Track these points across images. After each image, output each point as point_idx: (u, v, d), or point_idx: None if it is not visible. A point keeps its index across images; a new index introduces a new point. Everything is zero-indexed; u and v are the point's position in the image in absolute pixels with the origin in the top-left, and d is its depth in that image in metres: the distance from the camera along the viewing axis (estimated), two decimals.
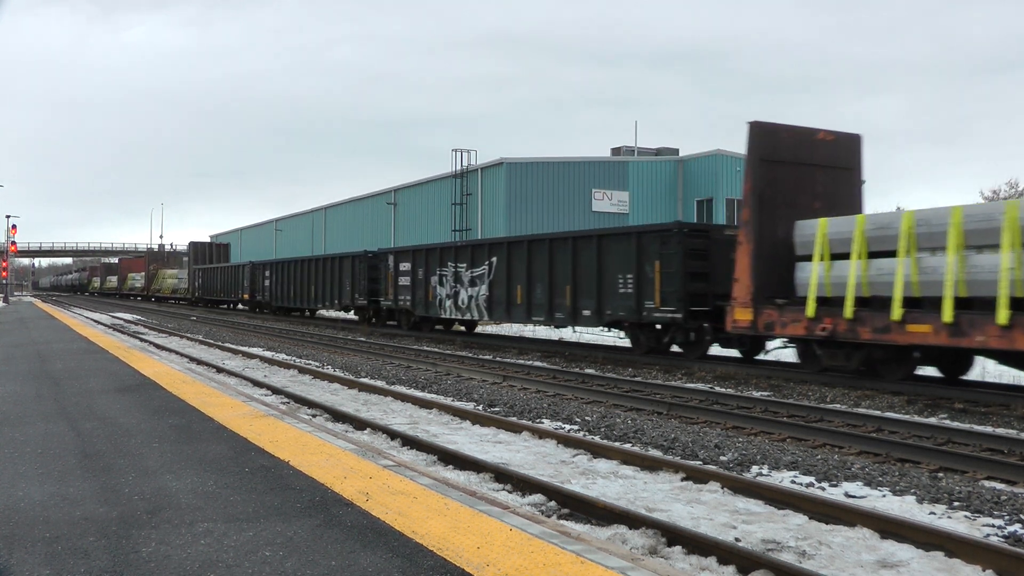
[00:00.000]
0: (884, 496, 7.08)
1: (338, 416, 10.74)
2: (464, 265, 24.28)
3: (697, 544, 5.42)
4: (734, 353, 17.72)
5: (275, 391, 13.04)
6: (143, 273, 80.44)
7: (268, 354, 20.05)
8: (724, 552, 5.25)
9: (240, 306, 51.12)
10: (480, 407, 11.90)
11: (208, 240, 77.50)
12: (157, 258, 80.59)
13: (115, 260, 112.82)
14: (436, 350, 21.12)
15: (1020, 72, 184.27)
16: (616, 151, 54.52)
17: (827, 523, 6.08)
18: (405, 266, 27.54)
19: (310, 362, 18.45)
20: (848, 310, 13.09)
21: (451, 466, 7.89)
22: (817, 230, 14.00)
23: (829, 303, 13.65)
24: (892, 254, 12.79)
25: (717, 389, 13.55)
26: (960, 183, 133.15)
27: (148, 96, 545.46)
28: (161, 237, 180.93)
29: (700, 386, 14.00)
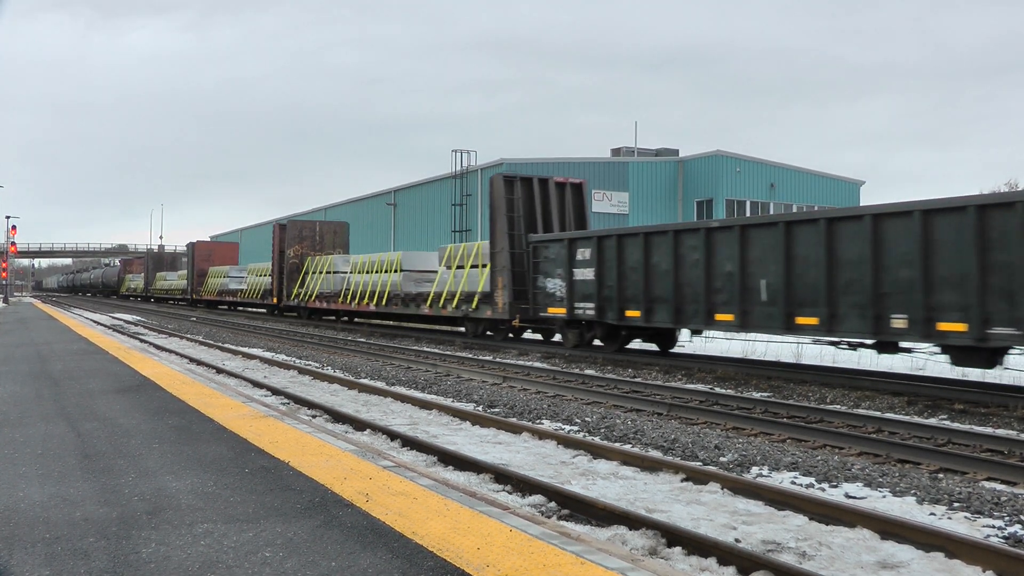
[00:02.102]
0: (884, 497, 7.08)
1: (338, 417, 10.74)
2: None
3: (697, 545, 5.41)
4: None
5: (275, 392, 13.04)
6: (262, 266, 44.15)
7: (268, 355, 20.04)
8: (724, 553, 5.25)
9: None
10: (480, 408, 11.89)
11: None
12: (302, 235, 38.95)
13: (170, 247, 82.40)
14: (436, 351, 21.11)
15: (1013, 75, 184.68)
16: (616, 152, 54.55)
17: (827, 524, 6.07)
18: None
19: (310, 363, 18.44)
20: None
21: (451, 467, 7.88)
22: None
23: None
24: None
25: (717, 390, 13.55)
26: (957, 184, 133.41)
27: (147, 99, 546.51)
28: (161, 238, 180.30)
29: (700, 387, 14.01)
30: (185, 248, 64.45)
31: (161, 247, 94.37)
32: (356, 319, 35.33)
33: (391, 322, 32.65)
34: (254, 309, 47.66)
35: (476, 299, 23.74)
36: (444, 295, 25.43)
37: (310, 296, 36.01)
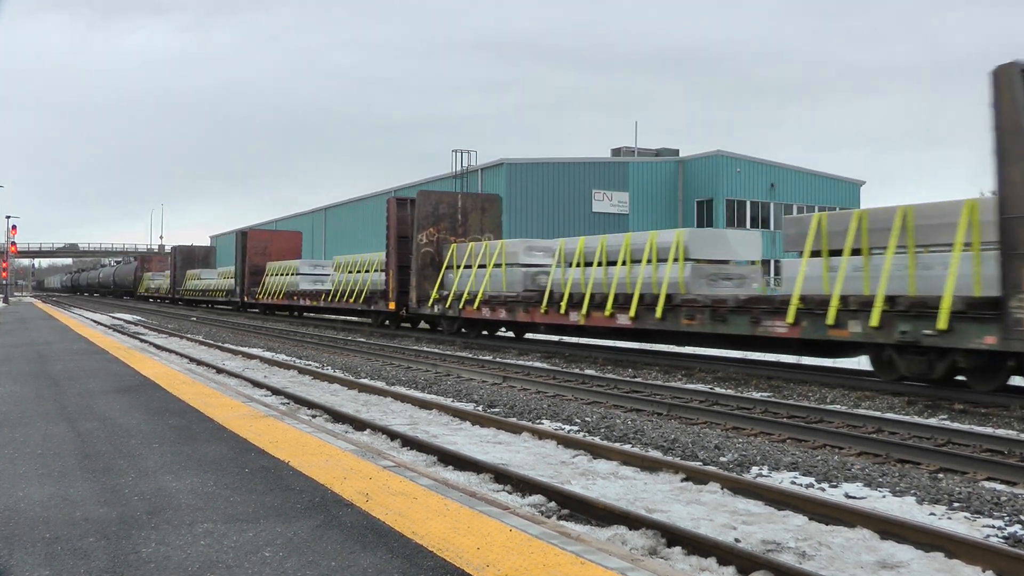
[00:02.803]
0: (884, 497, 7.08)
1: (338, 417, 10.74)
2: None
3: (697, 545, 5.41)
4: None
5: (275, 392, 13.04)
6: (362, 258, 31.88)
7: (268, 355, 20.04)
8: (724, 553, 5.25)
9: None
10: (480, 408, 11.89)
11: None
12: (438, 213, 26.82)
13: (206, 240, 72.15)
14: (436, 351, 21.11)
15: None
16: (616, 152, 54.59)
17: (827, 524, 6.07)
18: None
19: (310, 363, 18.44)
20: None
21: (451, 467, 7.88)
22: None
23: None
24: None
25: (717, 390, 13.54)
26: (957, 184, 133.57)
27: (147, 99, 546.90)
28: (161, 238, 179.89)
29: (700, 387, 14.00)
30: (205, 244, 55.30)
31: (161, 247, 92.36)
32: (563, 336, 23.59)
33: (647, 344, 20.99)
34: (352, 319, 35.25)
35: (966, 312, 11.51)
36: (834, 306, 13.20)
37: (469, 301, 23.88)
